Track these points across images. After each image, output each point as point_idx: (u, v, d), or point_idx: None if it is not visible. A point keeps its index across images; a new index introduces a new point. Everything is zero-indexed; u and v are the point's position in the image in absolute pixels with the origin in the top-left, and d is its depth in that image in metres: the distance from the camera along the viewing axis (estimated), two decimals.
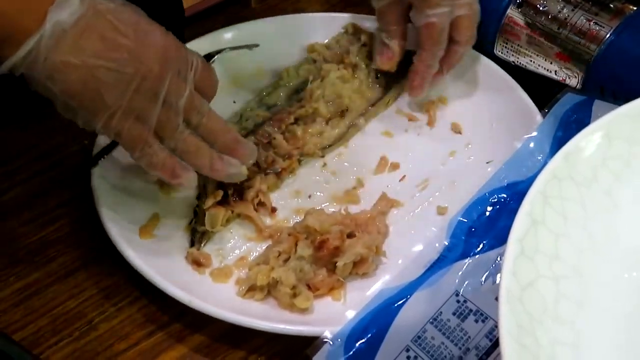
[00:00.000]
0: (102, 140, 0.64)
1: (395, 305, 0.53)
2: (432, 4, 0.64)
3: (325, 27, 0.76)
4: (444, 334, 0.52)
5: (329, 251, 0.57)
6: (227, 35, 0.75)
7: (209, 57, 0.68)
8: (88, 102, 0.51)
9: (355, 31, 0.75)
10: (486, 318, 0.52)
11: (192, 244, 0.60)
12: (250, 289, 0.57)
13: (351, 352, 0.51)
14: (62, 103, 0.51)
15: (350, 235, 0.58)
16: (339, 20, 0.77)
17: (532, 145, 0.63)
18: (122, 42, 0.50)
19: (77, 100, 0.51)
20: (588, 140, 0.46)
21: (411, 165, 0.67)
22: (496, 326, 0.49)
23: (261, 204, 0.63)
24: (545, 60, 0.68)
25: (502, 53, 0.72)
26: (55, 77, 0.49)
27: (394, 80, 0.73)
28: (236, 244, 0.61)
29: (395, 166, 0.67)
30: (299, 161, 0.67)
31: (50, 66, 0.49)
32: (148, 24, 0.53)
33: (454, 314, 0.53)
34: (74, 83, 0.50)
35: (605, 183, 0.46)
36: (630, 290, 0.43)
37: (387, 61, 0.70)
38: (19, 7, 0.47)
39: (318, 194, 0.65)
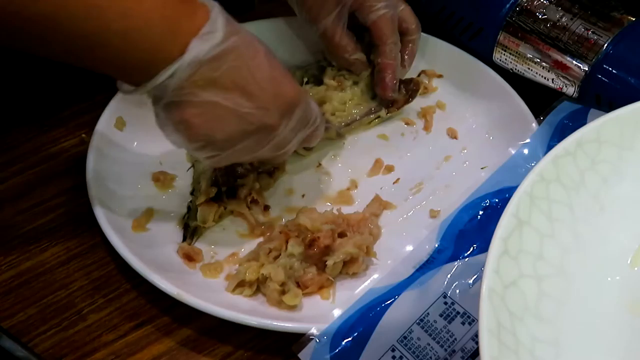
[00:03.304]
0: (100, 134, 0.65)
1: (383, 305, 0.54)
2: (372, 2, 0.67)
3: None
4: (430, 335, 0.52)
5: (320, 249, 0.57)
6: None
7: None
8: (199, 136, 0.51)
9: None
10: (473, 320, 0.52)
11: (184, 239, 0.61)
12: (239, 285, 0.57)
13: (337, 350, 0.52)
14: (173, 130, 0.52)
15: (342, 235, 0.59)
16: None
17: (526, 151, 0.63)
18: (254, 92, 0.51)
19: (190, 131, 0.51)
20: (577, 145, 0.46)
21: (406, 168, 0.68)
22: None
23: (254, 201, 0.63)
24: (543, 68, 0.69)
25: (500, 60, 0.72)
26: (179, 106, 0.49)
27: (384, 104, 0.72)
28: (228, 240, 0.61)
29: (389, 169, 0.67)
30: None
31: (178, 94, 0.49)
32: (283, 75, 0.54)
33: (441, 315, 0.53)
34: (194, 115, 0.50)
35: (593, 186, 0.46)
36: (613, 293, 0.43)
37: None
38: (164, 37, 0.47)
39: (311, 193, 0.65)
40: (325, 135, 0.65)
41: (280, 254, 0.58)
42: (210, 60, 0.48)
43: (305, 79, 0.72)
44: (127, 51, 0.47)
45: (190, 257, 0.59)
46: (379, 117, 0.71)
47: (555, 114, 0.65)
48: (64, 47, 0.46)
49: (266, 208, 0.64)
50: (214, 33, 0.48)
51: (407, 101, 0.72)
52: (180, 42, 0.47)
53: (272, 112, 0.52)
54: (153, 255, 0.58)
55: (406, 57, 0.71)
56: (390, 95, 0.70)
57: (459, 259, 0.56)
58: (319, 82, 0.72)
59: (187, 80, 0.48)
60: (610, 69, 0.65)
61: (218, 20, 0.49)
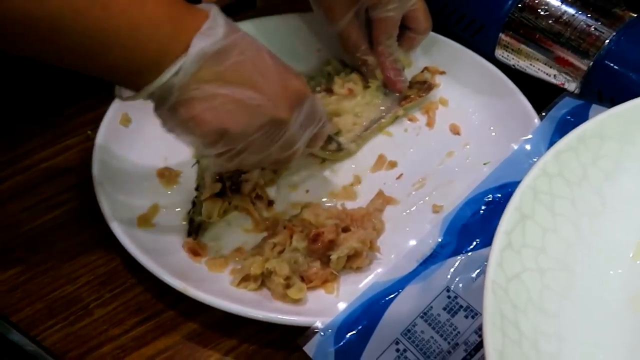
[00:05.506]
0: (106, 131, 0.65)
1: (387, 298, 0.54)
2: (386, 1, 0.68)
3: None
4: (433, 328, 0.53)
5: (324, 244, 0.57)
6: None
7: None
8: (211, 132, 0.50)
9: None
10: (476, 314, 0.53)
11: (189, 234, 0.61)
12: (244, 279, 0.57)
13: (341, 343, 0.52)
14: (183, 130, 0.51)
15: (345, 230, 0.59)
16: None
17: (528, 147, 0.63)
18: (262, 85, 0.51)
19: (201, 127, 0.50)
20: (579, 140, 0.47)
21: (409, 164, 0.68)
22: None
23: (258, 197, 0.64)
24: (545, 64, 0.69)
25: (502, 56, 0.72)
26: (187, 104, 0.49)
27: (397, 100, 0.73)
28: (233, 235, 0.62)
29: (392, 164, 0.68)
30: None
31: (184, 92, 0.48)
32: (288, 69, 0.54)
33: (444, 309, 0.53)
34: (203, 110, 0.49)
35: (595, 181, 0.46)
36: (615, 286, 0.43)
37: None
38: (169, 34, 0.47)
39: (315, 189, 0.66)
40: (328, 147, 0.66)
41: (284, 249, 0.58)
42: (215, 54, 0.48)
43: (318, 89, 0.72)
44: (132, 50, 0.47)
45: (195, 252, 0.60)
46: (395, 113, 0.72)
47: (557, 109, 0.65)
48: (71, 49, 0.46)
49: (270, 203, 0.64)
50: (215, 29, 0.48)
51: (420, 95, 0.72)
52: (184, 38, 0.47)
53: (282, 104, 0.52)
54: (159, 250, 0.58)
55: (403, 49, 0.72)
56: (401, 88, 0.71)
57: (462, 254, 0.56)
58: (329, 91, 0.72)
59: (193, 77, 0.48)
60: (612, 65, 0.65)
61: (218, 18, 0.49)
